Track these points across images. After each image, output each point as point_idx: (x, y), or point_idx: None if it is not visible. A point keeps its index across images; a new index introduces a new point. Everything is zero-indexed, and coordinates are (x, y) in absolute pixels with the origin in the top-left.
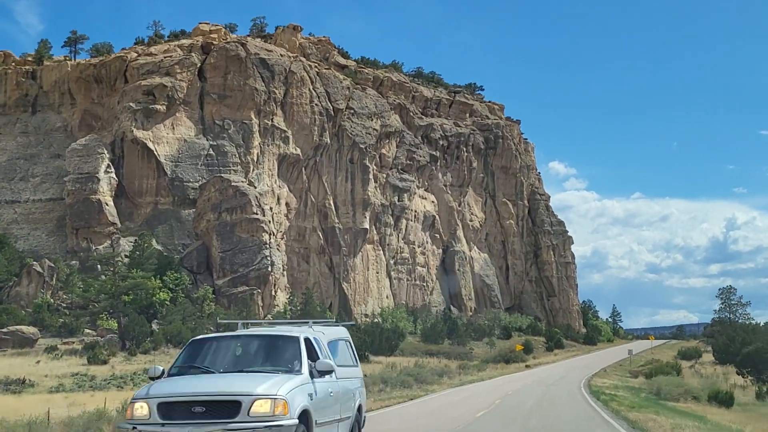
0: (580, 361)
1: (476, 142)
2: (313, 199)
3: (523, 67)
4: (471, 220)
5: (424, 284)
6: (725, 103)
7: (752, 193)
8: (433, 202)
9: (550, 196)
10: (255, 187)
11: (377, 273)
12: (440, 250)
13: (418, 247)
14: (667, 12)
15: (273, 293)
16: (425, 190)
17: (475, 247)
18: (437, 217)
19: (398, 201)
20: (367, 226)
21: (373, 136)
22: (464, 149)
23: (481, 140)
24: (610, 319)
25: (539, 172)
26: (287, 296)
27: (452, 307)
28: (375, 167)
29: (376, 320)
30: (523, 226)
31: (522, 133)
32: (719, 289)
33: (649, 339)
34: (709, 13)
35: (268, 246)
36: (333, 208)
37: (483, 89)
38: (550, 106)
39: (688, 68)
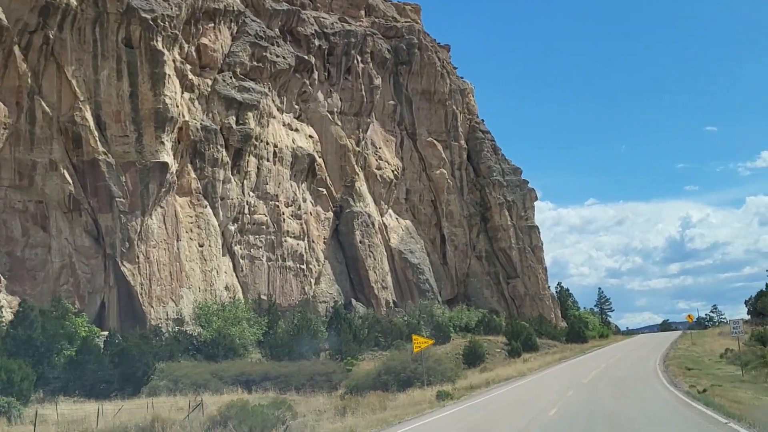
0: (583, 368)
1: (378, 50)
2: (49, 109)
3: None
4: (380, 168)
5: (302, 266)
6: (668, 101)
7: (704, 190)
8: (310, 136)
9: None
10: None
11: (201, 247)
12: (329, 213)
13: (287, 205)
14: (603, 11)
15: None
16: (295, 116)
17: (389, 209)
18: (320, 160)
19: (237, 124)
20: (169, 160)
21: (175, 6)
22: (359, 59)
23: (387, 49)
24: (596, 309)
25: (482, 119)
26: None
27: (355, 301)
28: (182, 61)
29: (185, 329)
30: (462, 178)
31: (456, 69)
32: None
33: (687, 319)
34: (647, 12)
35: None
36: (93, 124)
37: None
38: (494, 119)
39: (628, 68)
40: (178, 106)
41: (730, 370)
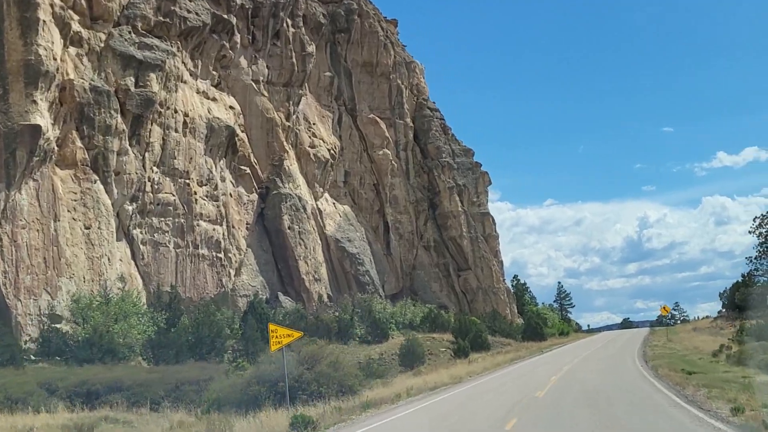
0: (540, 371)
1: (312, 14)
2: None
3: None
4: (314, 146)
5: (219, 255)
6: (626, 101)
7: (661, 190)
8: (231, 107)
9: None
10: None
11: (88, 229)
12: (254, 195)
13: (200, 184)
14: (559, 12)
15: None
16: (213, 84)
17: (325, 193)
18: (243, 134)
19: (137, 86)
20: (44, 123)
21: None
22: (289, 22)
23: (322, 14)
24: (555, 305)
25: (434, 102)
26: None
27: (282, 296)
28: (63, 6)
29: (60, 326)
30: (408, 159)
31: (405, 46)
32: (754, 219)
33: (661, 311)
34: (606, 12)
35: None
36: None
37: None
38: (453, 120)
39: (585, 68)
40: (56, 60)
41: (745, 374)
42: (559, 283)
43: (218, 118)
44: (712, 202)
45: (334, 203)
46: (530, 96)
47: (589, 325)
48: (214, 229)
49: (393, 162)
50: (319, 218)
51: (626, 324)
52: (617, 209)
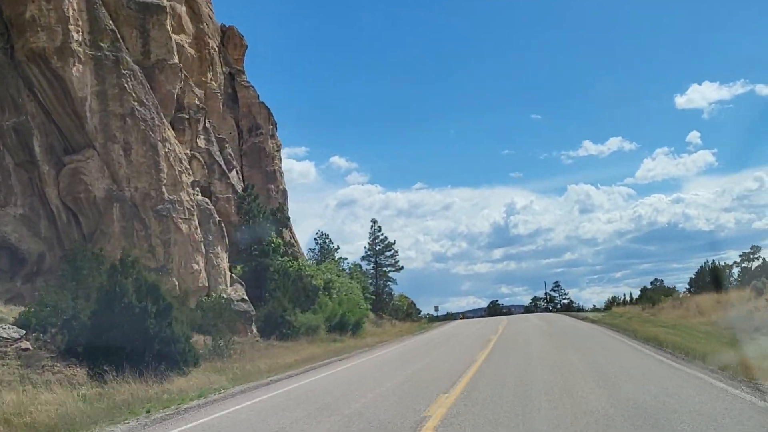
0: None
1: None
2: None
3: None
4: None
5: None
6: (497, 88)
7: (528, 177)
8: None
9: None
10: None
11: None
12: None
13: None
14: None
15: None
16: None
17: None
18: None
19: None
20: None
21: None
22: None
23: None
24: (369, 267)
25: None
26: None
27: None
28: None
29: None
30: None
31: None
32: None
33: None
34: (479, 5)
35: None
36: None
37: None
38: (323, 102)
39: (455, 51)
40: None
41: None
42: (373, 222)
43: None
44: (577, 190)
45: None
46: (399, 79)
47: (440, 308)
48: None
49: None
50: None
51: (495, 308)
52: (486, 195)
